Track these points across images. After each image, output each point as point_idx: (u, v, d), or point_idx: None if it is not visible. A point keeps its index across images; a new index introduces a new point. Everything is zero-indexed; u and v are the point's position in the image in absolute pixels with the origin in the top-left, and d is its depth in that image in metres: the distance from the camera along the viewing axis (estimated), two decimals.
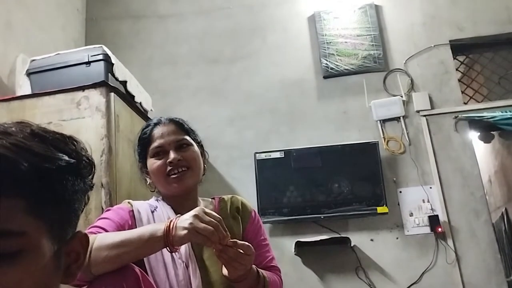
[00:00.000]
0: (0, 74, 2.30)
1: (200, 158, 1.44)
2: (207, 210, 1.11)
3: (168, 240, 1.07)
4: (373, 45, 3.02)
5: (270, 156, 2.81)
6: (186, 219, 1.09)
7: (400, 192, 2.77)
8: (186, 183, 1.37)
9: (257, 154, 2.82)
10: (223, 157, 2.93)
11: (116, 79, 2.23)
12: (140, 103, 2.47)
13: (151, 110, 2.62)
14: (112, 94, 2.07)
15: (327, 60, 3.03)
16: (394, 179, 2.79)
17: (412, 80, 2.96)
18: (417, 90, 2.94)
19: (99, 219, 1.29)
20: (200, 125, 2.95)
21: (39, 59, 2.27)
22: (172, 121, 1.45)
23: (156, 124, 1.44)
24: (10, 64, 2.38)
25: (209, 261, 1.32)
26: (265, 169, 2.79)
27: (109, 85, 2.09)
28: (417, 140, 2.85)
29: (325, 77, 3.03)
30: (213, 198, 1.52)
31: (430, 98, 2.90)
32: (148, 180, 1.44)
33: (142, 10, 3.37)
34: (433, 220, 2.65)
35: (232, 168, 2.93)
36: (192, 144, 1.43)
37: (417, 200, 2.73)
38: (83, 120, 2.01)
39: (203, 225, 1.07)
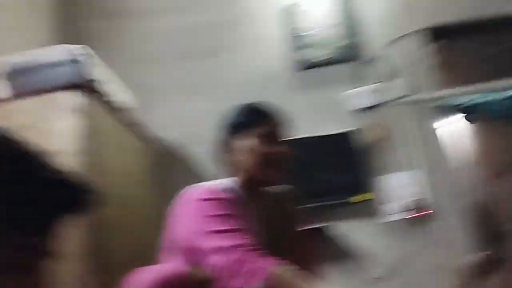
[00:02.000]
0: None
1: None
2: None
3: None
4: (348, 34, 3.02)
5: None
6: None
7: (382, 179, 2.78)
8: (276, 176, 1.40)
9: None
10: (205, 154, 2.92)
11: (94, 79, 2.21)
12: (121, 102, 2.45)
13: (132, 109, 2.60)
14: (91, 94, 2.06)
15: (301, 53, 3.02)
16: (376, 167, 2.81)
17: (389, 68, 2.97)
18: (395, 77, 2.96)
19: (210, 216, 1.23)
20: (181, 121, 3.00)
21: (14, 61, 2.23)
22: (281, 117, 1.47)
23: (265, 112, 1.45)
24: None
25: None
26: None
27: (88, 85, 2.07)
28: (396, 127, 2.86)
29: (300, 70, 3.03)
30: None
31: (408, 85, 2.92)
32: (229, 159, 1.43)
33: (117, 8, 3.33)
34: (418, 205, 2.68)
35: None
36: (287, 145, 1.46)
37: (401, 186, 2.76)
38: (60, 122, 1.99)
39: None
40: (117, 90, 2.45)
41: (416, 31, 2.99)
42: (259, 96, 2.97)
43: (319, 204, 2.68)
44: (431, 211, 2.69)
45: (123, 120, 2.46)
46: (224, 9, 3.26)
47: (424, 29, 2.99)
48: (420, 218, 2.68)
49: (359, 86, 2.94)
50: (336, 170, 2.74)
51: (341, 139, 2.80)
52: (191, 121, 2.98)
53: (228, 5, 3.27)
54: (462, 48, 3.16)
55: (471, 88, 2.90)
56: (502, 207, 4.67)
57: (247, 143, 1.39)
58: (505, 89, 2.73)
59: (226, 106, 2.99)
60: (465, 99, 2.78)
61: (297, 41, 3.05)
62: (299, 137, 2.81)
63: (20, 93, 2.08)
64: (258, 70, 3.09)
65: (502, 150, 4.45)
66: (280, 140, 1.42)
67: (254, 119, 1.42)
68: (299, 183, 2.66)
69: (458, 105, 2.82)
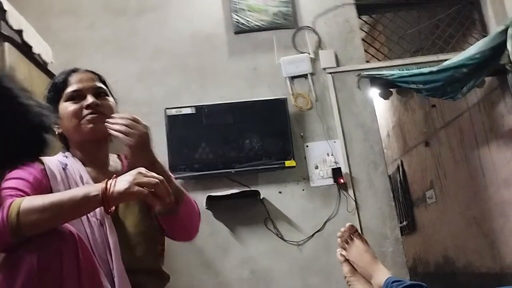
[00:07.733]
0: None
1: (116, 110, 1.41)
2: (148, 172, 1.12)
3: (105, 197, 1.06)
4: (283, 1, 3.04)
5: (181, 112, 2.79)
6: (127, 175, 1.10)
7: (307, 146, 2.90)
8: (101, 127, 1.30)
9: (167, 110, 2.78)
10: (133, 114, 2.84)
11: (10, 27, 2.06)
12: (39, 54, 2.31)
13: (51, 62, 2.46)
14: (6, 43, 1.94)
15: (238, 15, 3.01)
16: (302, 134, 2.91)
17: (319, 38, 3.05)
18: (324, 48, 3.04)
19: (10, 179, 1.20)
20: (107, 79, 2.88)
21: None
22: (90, 71, 1.41)
23: (73, 71, 1.38)
24: None
25: (124, 214, 1.32)
26: (176, 125, 2.77)
27: (2, 33, 1.94)
28: (323, 96, 2.97)
29: (236, 33, 3.02)
30: (119, 155, 1.49)
31: (336, 56, 3.02)
32: (57, 130, 1.36)
33: None
34: (336, 172, 2.83)
35: None
36: (109, 95, 1.41)
37: (322, 154, 2.88)
38: None
39: (146, 179, 1.08)
40: (35, 41, 2.30)
41: (346, 5, 3.09)
42: (191, 58, 2.98)
43: (255, 167, 2.75)
44: (348, 178, 2.84)
45: (43, 72, 2.32)
46: None
47: (353, 4, 3.10)
48: (338, 185, 2.82)
49: (292, 54, 2.98)
50: (269, 135, 2.80)
51: (274, 105, 2.84)
52: (116, 80, 2.86)
53: None
54: (385, 24, 3.30)
55: (390, 62, 3.05)
56: (412, 179, 5.06)
57: (62, 109, 1.34)
58: (425, 65, 2.90)
59: (155, 67, 2.96)
60: (385, 73, 2.92)
61: (235, 3, 3.02)
62: (234, 101, 2.84)
63: None
64: (192, 31, 3.03)
65: (414, 124, 4.79)
66: (94, 94, 1.35)
67: (58, 85, 1.37)
68: (234, 145, 2.77)
69: (379, 78, 2.96)
